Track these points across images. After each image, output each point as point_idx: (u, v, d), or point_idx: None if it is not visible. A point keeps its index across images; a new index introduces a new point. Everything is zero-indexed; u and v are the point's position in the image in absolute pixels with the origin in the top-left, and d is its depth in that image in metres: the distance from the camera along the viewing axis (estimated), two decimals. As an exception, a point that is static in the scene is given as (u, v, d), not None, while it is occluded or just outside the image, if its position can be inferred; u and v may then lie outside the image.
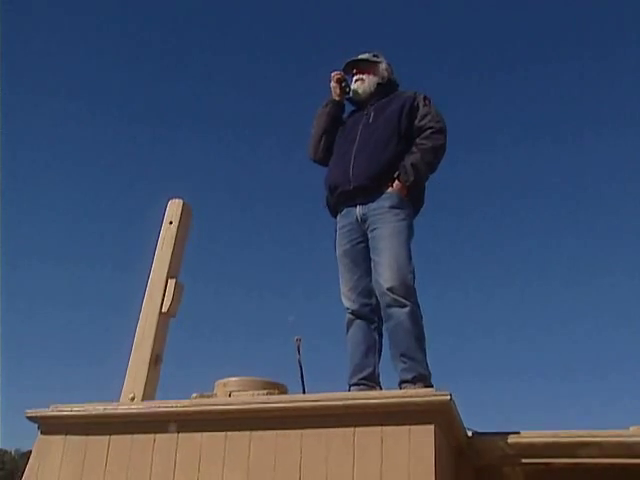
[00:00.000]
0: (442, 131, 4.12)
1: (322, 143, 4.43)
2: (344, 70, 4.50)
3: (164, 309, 3.90)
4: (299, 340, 4.30)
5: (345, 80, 4.47)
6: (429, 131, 4.09)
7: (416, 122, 4.14)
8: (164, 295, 3.92)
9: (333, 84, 4.49)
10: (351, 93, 4.45)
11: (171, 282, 3.93)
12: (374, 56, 4.49)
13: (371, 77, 4.41)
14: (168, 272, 3.95)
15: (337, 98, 4.49)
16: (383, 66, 4.46)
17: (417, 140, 4.09)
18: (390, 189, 4.00)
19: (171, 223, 4.03)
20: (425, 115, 4.14)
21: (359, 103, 4.45)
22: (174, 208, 4.09)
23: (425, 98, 4.21)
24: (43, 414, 3.56)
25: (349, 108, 4.56)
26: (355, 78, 4.44)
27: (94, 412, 3.46)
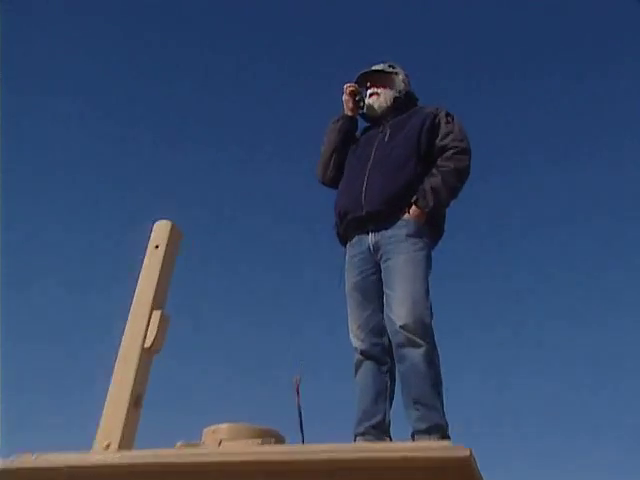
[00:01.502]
0: (466, 151, 3.92)
1: (332, 163, 4.23)
2: (357, 82, 4.31)
3: (147, 344, 3.61)
4: (298, 380, 3.98)
5: (359, 93, 4.27)
6: (451, 151, 3.90)
7: (437, 141, 3.95)
8: (147, 328, 3.63)
9: (346, 97, 4.29)
10: (365, 108, 4.25)
11: (156, 314, 3.64)
12: (390, 67, 4.32)
13: (387, 91, 4.24)
14: (153, 302, 3.66)
15: (350, 113, 4.29)
16: (400, 78, 4.29)
17: (438, 161, 3.89)
18: (407, 215, 3.79)
19: (157, 247, 3.73)
20: (447, 133, 3.96)
21: (374, 119, 4.26)
22: (161, 231, 3.79)
23: (448, 114, 4.04)
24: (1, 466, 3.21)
25: (362, 124, 4.38)
26: (369, 92, 4.27)
27: (62, 462, 3.13)
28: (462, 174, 3.88)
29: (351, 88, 4.26)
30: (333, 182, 4.21)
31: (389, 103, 4.20)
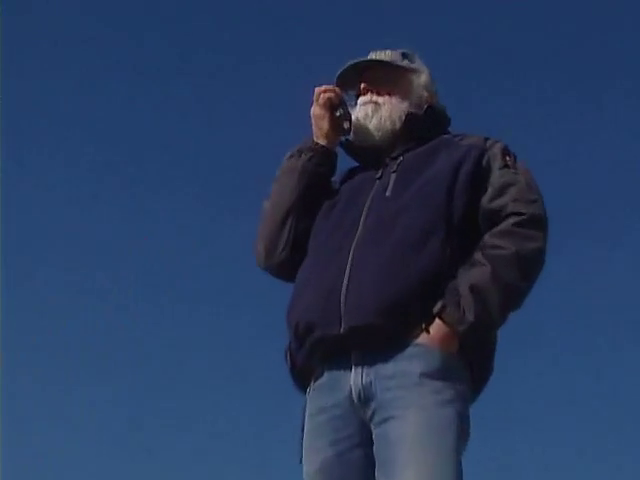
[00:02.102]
0: (539, 222, 2.32)
1: (286, 232, 2.51)
2: (340, 83, 2.58)
3: None
4: None
5: (343, 104, 2.53)
6: (512, 220, 2.29)
7: (485, 200, 2.34)
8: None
9: (317, 111, 2.56)
10: (351, 132, 2.52)
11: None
12: (404, 57, 2.60)
13: (395, 100, 2.50)
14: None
15: (322, 141, 2.56)
16: (422, 80, 2.57)
17: (486, 238, 2.31)
18: (424, 337, 2.23)
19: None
20: (506, 187, 2.33)
21: (366, 152, 2.57)
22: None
23: (506, 152, 2.41)
24: None
25: (344, 162, 2.64)
26: (363, 100, 2.54)
27: None
28: (531, 263, 2.30)
29: (328, 94, 2.53)
30: (285, 268, 2.55)
31: (397, 124, 2.48)
